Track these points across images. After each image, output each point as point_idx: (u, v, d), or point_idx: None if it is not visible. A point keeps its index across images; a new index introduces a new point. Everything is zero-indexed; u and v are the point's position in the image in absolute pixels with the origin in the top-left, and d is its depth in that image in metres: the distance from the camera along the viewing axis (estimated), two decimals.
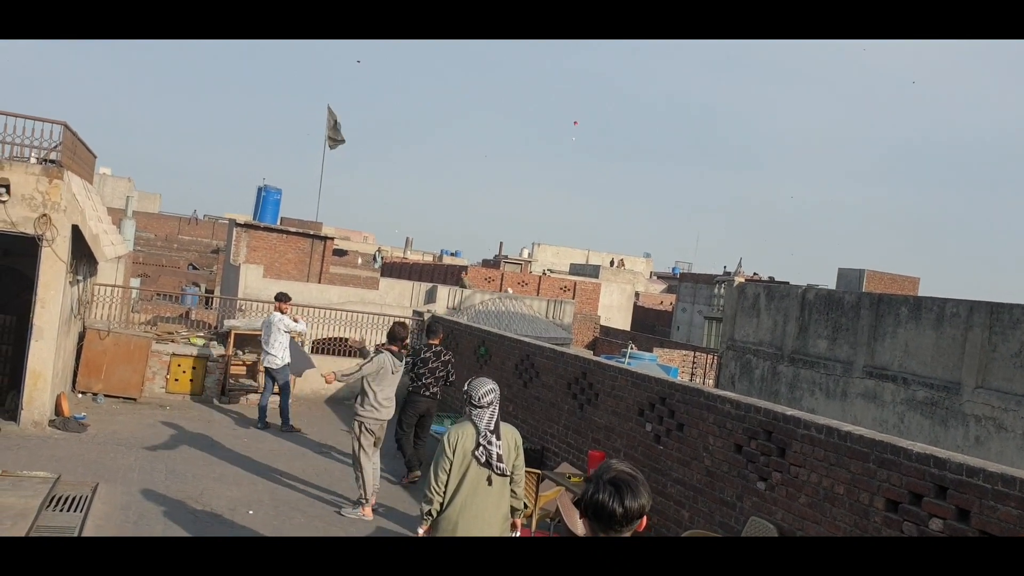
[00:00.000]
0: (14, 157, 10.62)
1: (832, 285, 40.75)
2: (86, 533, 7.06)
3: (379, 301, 24.06)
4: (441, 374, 10.17)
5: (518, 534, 5.73)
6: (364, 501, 8.51)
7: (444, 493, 5.30)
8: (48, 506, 7.54)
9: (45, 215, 10.25)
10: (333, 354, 15.72)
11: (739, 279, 17.69)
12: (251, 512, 8.22)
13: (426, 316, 16.33)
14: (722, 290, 36.33)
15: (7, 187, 10.04)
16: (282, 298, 12.65)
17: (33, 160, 10.72)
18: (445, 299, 26.22)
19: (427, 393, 10.07)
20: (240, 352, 14.32)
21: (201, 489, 8.81)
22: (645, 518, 2.90)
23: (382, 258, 60.64)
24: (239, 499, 8.62)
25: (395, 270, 48.37)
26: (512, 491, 5.54)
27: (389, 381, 8.69)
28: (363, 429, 8.50)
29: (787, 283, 31.31)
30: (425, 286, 27.07)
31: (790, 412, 6.75)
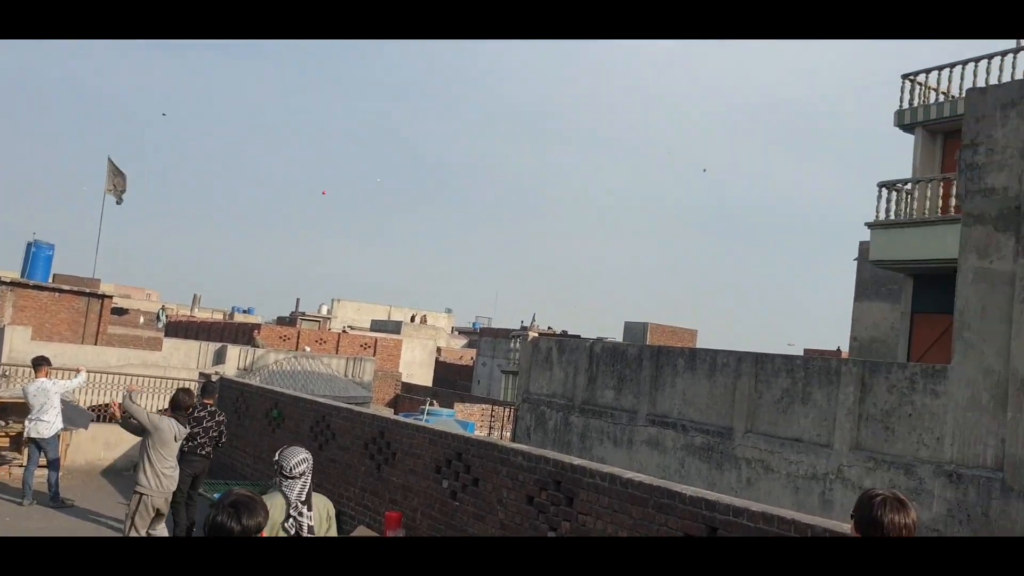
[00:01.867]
0: None
1: (620, 337, 42.96)
2: None
3: (163, 363, 22.75)
4: (215, 434, 10.12)
5: None
6: None
7: None
8: None
9: None
10: (110, 421, 14.63)
11: (532, 333, 18.32)
12: None
13: (214, 378, 15.61)
14: (517, 344, 37.27)
15: None
16: (41, 362, 11.63)
17: None
18: (236, 359, 25.21)
19: (202, 452, 9.96)
20: (2, 423, 13.01)
21: None
22: (264, 533, 3.23)
23: (167, 317, 57.35)
24: None
25: (181, 329, 45.97)
26: None
27: (171, 448, 8.34)
28: (142, 504, 7.98)
29: (578, 336, 32.64)
30: (214, 346, 25.92)
31: (577, 462, 7.03)
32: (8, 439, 13.09)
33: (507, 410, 27.99)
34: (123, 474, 13.67)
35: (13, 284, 25.46)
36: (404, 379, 42.17)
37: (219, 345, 26.11)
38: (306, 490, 5.19)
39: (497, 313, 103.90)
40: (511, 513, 7.53)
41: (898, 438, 10.25)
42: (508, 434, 24.14)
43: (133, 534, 7.85)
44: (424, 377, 47.99)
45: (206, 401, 10.45)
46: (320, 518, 5.25)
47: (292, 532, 5.08)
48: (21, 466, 12.64)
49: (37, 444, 11.25)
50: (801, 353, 31.38)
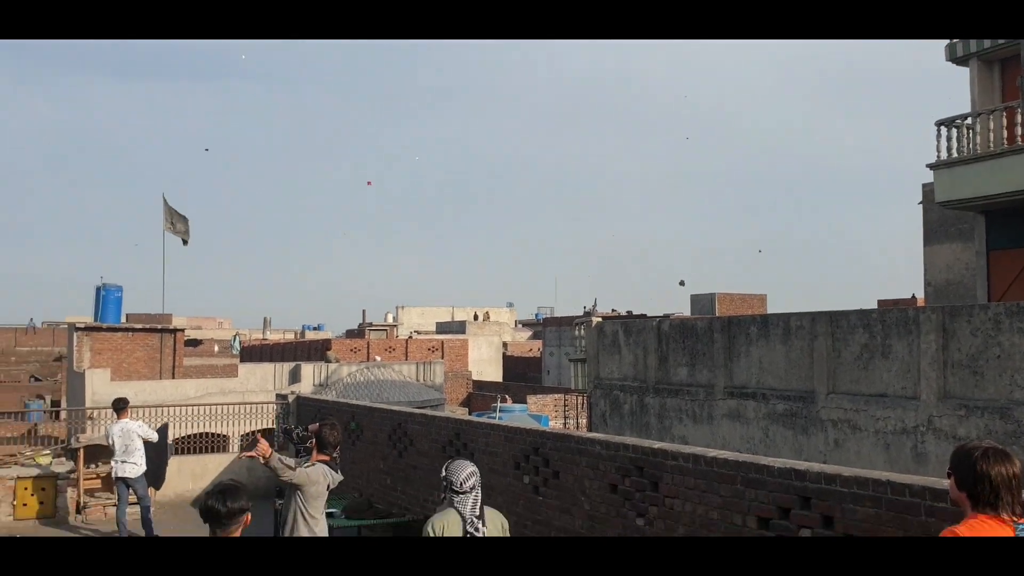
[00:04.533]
0: None
1: (688, 312, 42.43)
2: None
3: (240, 388, 23.19)
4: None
5: None
6: None
7: None
8: None
9: None
10: (195, 452, 14.96)
11: (596, 318, 18.11)
12: None
13: (290, 398, 15.84)
14: (582, 331, 37.15)
15: None
16: (122, 404, 11.88)
17: None
18: (311, 376, 25.56)
19: None
20: (94, 465, 13.42)
21: None
22: (248, 516, 3.92)
23: (240, 342, 58.59)
24: None
25: (256, 353, 46.89)
26: None
27: (323, 499, 7.07)
28: None
29: (643, 316, 32.33)
30: (288, 366, 26.32)
31: (657, 445, 6.89)
32: (99, 480, 13.49)
33: (580, 398, 27.86)
34: None
35: (88, 329, 26.21)
36: (474, 377, 42.36)
37: (293, 364, 26.52)
38: (479, 504, 4.99)
39: (558, 302, 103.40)
40: (596, 503, 7.42)
41: (988, 382, 9.84)
42: (584, 422, 24.01)
43: None
44: (493, 373, 48.14)
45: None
46: (496, 533, 5.03)
47: None
48: (114, 505, 13.03)
49: (126, 483, 11.54)
50: (875, 305, 30.55)
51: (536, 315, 78.56)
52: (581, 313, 47.97)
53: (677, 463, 6.52)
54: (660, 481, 6.69)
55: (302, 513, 6.85)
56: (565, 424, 27.98)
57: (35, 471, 12.86)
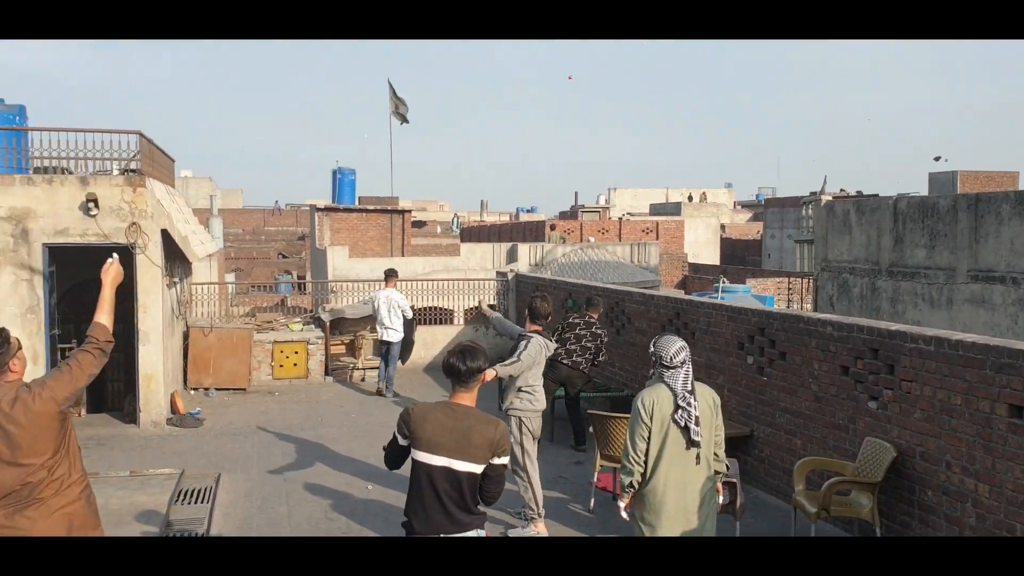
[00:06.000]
0: (97, 172, 11.01)
1: (924, 192, 39.12)
2: (214, 523, 7.38)
3: (462, 267, 24.24)
4: (589, 344, 9.64)
5: (721, 499, 5.33)
6: (537, 515, 7.13)
7: (645, 462, 4.91)
8: (176, 500, 7.89)
9: (134, 223, 10.61)
10: (426, 323, 15.92)
11: (826, 198, 17.05)
12: (369, 487, 8.42)
13: (509, 276, 16.37)
14: (810, 211, 35.29)
15: (95, 201, 10.41)
16: (391, 274, 13.31)
17: (115, 172, 11.09)
18: (526, 256, 26.24)
19: (566, 361, 9.57)
20: (338, 332, 14.69)
21: (317, 468, 9.09)
22: (484, 374, 4.35)
23: (460, 224, 60.99)
24: (356, 474, 8.85)
25: (474, 234, 48.58)
26: (715, 454, 5.03)
27: (541, 367, 7.43)
28: (524, 427, 7.15)
29: (876, 195, 30.19)
30: (505, 246, 27.13)
31: (895, 327, 6.52)
32: (343, 346, 14.78)
33: (804, 281, 26.77)
34: (441, 370, 14.94)
35: (327, 209, 28.22)
36: (690, 260, 41.71)
37: (510, 245, 27.30)
38: (690, 379, 4.90)
39: (781, 182, 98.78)
40: (824, 385, 7.20)
41: None
42: (808, 306, 23.14)
43: (525, 459, 7.13)
44: (710, 256, 47.11)
45: (590, 313, 9.92)
46: (706, 408, 4.94)
47: (682, 424, 4.82)
48: (359, 369, 14.30)
49: (387, 345, 12.99)
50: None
51: (757, 196, 75.63)
52: (806, 194, 45.56)
53: (917, 346, 6.15)
54: (896, 364, 6.35)
55: (520, 384, 7.20)
56: (788, 307, 27.09)
57: (289, 336, 14.25)
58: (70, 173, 10.92)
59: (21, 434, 3.93)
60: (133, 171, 11.02)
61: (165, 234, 11.05)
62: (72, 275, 11.98)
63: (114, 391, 13.78)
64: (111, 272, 4.53)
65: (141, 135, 11.13)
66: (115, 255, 4.61)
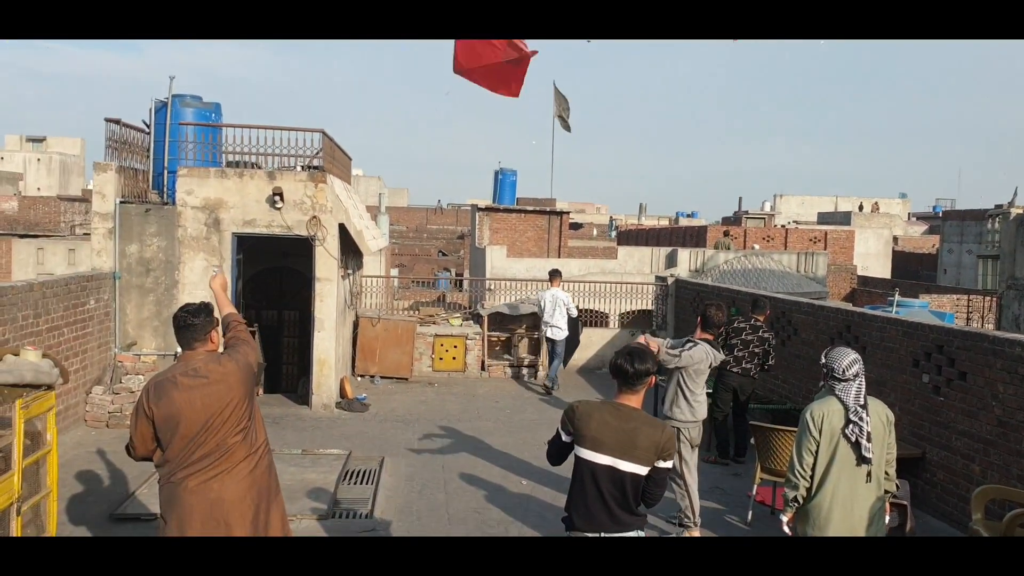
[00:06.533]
0: (283, 167, 11.74)
1: None
2: (377, 504, 7.72)
3: (619, 270, 24.18)
4: (757, 350, 9.45)
5: (888, 520, 5.13)
6: (693, 524, 7.11)
7: (811, 477, 4.81)
8: (343, 480, 8.32)
9: (315, 217, 11.26)
10: (584, 326, 15.99)
11: (1016, 210, 15.86)
12: (524, 483, 8.57)
13: (669, 281, 16.19)
14: (997, 225, 32.90)
15: (280, 195, 11.11)
16: (555, 274, 13.72)
17: (298, 168, 11.79)
18: (687, 262, 25.85)
19: (735, 369, 9.38)
20: (494, 329, 15.02)
21: (474, 460, 9.33)
22: (652, 378, 4.23)
23: (617, 227, 60.71)
24: (510, 469, 9.03)
25: (631, 237, 48.23)
26: (885, 472, 4.87)
27: (704, 376, 7.28)
28: (682, 436, 7.08)
29: None
30: (664, 250, 26.82)
31: None
32: (500, 343, 15.13)
33: (986, 300, 24.99)
34: (595, 372, 14.99)
35: (488, 209, 28.84)
36: (859, 272, 39.76)
37: (670, 249, 26.97)
38: (863, 393, 4.77)
39: (961, 194, 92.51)
40: (1011, 409, 6.73)
41: None
42: (990, 326, 21.58)
43: (683, 468, 7.03)
44: (880, 269, 44.73)
45: (756, 316, 9.73)
46: (879, 423, 4.80)
47: (853, 439, 4.70)
48: (511, 366, 14.58)
49: (553, 343, 13.46)
50: None
51: (934, 208, 71.26)
52: (991, 207, 42.48)
53: None
54: None
55: (682, 389, 7.11)
56: (967, 325, 25.36)
57: (450, 331, 14.69)
58: (258, 168, 11.69)
59: (222, 394, 4.30)
60: (315, 168, 11.68)
61: (342, 228, 11.66)
62: (254, 263, 12.83)
63: (289, 374, 14.69)
64: (217, 281, 5.15)
65: (324, 133, 11.77)
66: (219, 266, 5.19)
